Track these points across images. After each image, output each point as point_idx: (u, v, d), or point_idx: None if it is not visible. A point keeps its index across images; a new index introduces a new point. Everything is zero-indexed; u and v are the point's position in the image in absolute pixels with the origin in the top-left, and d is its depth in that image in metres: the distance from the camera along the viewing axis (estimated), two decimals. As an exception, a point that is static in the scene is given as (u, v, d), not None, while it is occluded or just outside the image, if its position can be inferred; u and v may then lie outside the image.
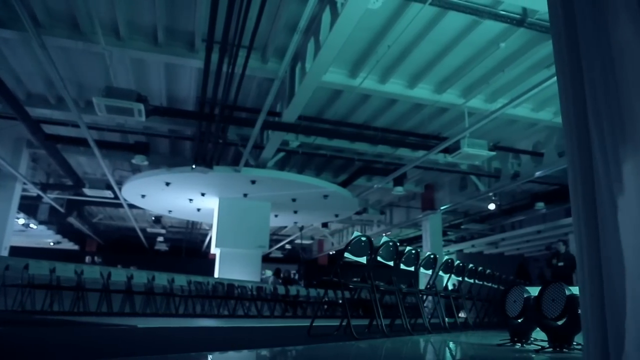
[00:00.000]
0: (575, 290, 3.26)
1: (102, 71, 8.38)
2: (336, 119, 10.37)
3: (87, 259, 15.11)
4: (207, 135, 9.34)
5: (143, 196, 13.74)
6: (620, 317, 1.36)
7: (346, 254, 4.23)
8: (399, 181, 13.14)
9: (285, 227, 20.82)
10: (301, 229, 20.57)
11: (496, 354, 3.22)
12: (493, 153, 9.49)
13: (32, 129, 9.67)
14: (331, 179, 14.23)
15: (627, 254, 1.35)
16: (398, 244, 5.00)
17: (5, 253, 12.19)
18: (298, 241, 23.09)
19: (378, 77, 8.69)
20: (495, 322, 8.03)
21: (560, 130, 10.55)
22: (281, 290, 11.79)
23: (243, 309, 10.72)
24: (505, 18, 6.72)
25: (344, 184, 13.31)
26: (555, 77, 6.08)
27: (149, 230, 22.43)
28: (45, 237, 22.09)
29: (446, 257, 6.74)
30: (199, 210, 15.14)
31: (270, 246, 19.94)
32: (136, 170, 13.84)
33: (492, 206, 14.90)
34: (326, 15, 6.58)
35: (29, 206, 16.87)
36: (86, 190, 13.68)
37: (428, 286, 6.07)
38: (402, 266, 5.16)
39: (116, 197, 14.67)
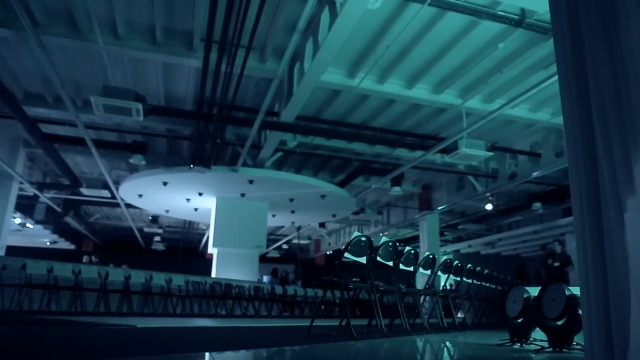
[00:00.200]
0: (575, 290, 3.27)
1: (100, 70, 8.36)
2: (334, 119, 10.38)
3: (85, 258, 15.05)
4: (205, 135, 9.32)
5: (140, 196, 13.72)
6: (625, 316, 1.37)
7: (346, 254, 4.23)
8: (396, 181, 13.15)
9: (283, 227, 20.82)
10: (298, 228, 20.57)
11: (496, 354, 3.22)
12: (491, 153, 9.52)
13: (29, 128, 9.64)
14: (329, 179, 14.23)
15: (633, 254, 1.36)
16: (398, 244, 5.00)
17: (1, 253, 12.13)
18: (295, 241, 23.09)
19: (376, 77, 8.70)
20: (492, 322, 8.05)
21: (557, 131, 10.59)
22: (279, 290, 11.79)
23: (241, 308, 10.71)
24: (504, 19, 6.74)
25: (341, 184, 13.32)
26: (553, 78, 6.07)
27: (146, 230, 22.39)
28: (41, 236, 22.01)
29: (445, 257, 6.76)
30: (196, 210, 15.13)
31: (268, 246, 19.92)
32: (133, 169, 13.81)
33: (489, 206, 14.93)
34: (325, 15, 6.58)
35: (25, 206, 16.81)
36: (83, 190, 13.64)
37: (427, 286, 6.08)
38: (401, 266, 5.17)
39: (113, 197, 14.63)
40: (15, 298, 7.34)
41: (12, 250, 14.47)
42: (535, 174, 10.99)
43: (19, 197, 13.63)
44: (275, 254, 27.29)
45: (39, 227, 19.58)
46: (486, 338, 4.91)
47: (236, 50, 6.61)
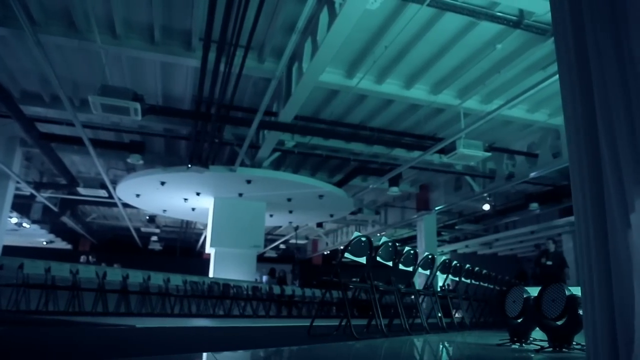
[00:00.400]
0: (574, 290, 3.28)
1: (98, 69, 8.33)
2: (332, 119, 10.38)
3: (82, 258, 15.00)
4: (202, 135, 9.31)
5: (138, 195, 13.69)
6: (630, 316, 1.37)
7: (346, 254, 4.23)
8: (394, 181, 13.16)
9: (280, 226, 20.81)
10: (296, 228, 20.57)
11: (497, 354, 3.23)
12: (488, 154, 9.53)
13: (26, 127, 9.60)
14: (326, 179, 14.23)
15: (638, 255, 1.36)
16: (397, 244, 5.01)
17: (-2, 252, 12.09)
18: (293, 241, 23.07)
19: (375, 78, 8.71)
20: (491, 322, 8.07)
21: (555, 132, 10.62)
22: (276, 290, 11.79)
23: (239, 308, 10.70)
24: (502, 19, 6.75)
25: (339, 184, 13.32)
26: (551, 79, 6.07)
27: (143, 229, 22.32)
28: (38, 236, 21.92)
29: (444, 258, 6.77)
30: (193, 209, 15.10)
31: (265, 246, 19.93)
32: (131, 169, 13.78)
33: (486, 207, 14.97)
34: (324, 15, 6.58)
35: (22, 205, 16.73)
36: (80, 190, 13.59)
37: (426, 286, 6.09)
38: (401, 266, 5.18)
39: (110, 197, 14.58)
40: (13, 298, 7.31)
41: (8, 250, 14.40)
42: (532, 174, 11.01)
43: (16, 196, 13.56)
44: (273, 254, 27.27)
45: (36, 226, 19.49)
46: (485, 338, 4.92)
47: (235, 50, 6.60)
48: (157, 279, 9.48)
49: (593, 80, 1.61)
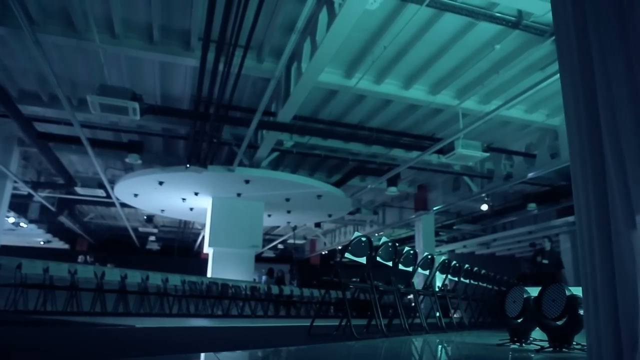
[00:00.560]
0: (574, 290, 3.29)
1: (96, 69, 8.31)
2: (331, 119, 10.38)
3: (80, 258, 14.97)
4: (201, 135, 9.30)
5: (136, 195, 13.66)
6: (634, 317, 1.38)
7: (346, 254, 4.24)
8: (392, 181, 13.17)
9: (278, 226, 20.80)
10: (294, 228, 20.56)
11: (497, 354, 3.24)
12: (487, 154, 9.55)
13: (24, 127, 9.57)
14: (325, 179, 14.23)
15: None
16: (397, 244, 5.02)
17: (-5, 252, 12.05)
18: (291, 241, 23.07)
19: (373, 78, 8.71)
20: (489, 322, 8.09)
21: (552, 132, 10.65)
22: (275, 290, 11.78)
23: (237, 308, 10.70)
24: (501, 20, 6.76)
25: (337, 184, 13.32)
26: (550, 80, 6.07)
27: (140, 229, 22.30)
28: (35, 236, 21.86)
29: (443, 258, 6.78)
30: (191, 209, 15.08)
31: (263, 246, 19.89)
32: (129, 169, 13.75)
33: (484, 207, 14.99)
34: (323, 16, 6.58)
35: (19, 205, 16.68)
36: (78, 189, 13.56)
37: (425, 286, 6.10)
38: (400, 266, 5.18)
39: (108, 196, 14.56)
40: (11, 298, 7.29)
41: (5, 250, 14.36)
42: (530, 174, 11.04)
43: (13, 196, 13.51)
44: (271, 254, 27.26)
45: (33, 226, 19.44)
46: (485, 338, 4.93)
47: (234, 49, 6.60)
48: (155, 279, 9.47)
49: (596, 80, 1.62)
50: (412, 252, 5.34)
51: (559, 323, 3.23)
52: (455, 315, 7.25)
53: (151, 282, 9.34)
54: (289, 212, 15.42)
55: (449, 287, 7.39)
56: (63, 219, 19.10)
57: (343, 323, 4.51)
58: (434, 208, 15.41)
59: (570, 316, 3.16)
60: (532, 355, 3.23)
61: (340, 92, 9.17)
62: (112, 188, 13.53)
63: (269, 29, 7.35)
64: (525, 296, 3.69)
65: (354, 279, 4.62)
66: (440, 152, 9.65)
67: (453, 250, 23.24)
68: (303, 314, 12.36)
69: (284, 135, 10.68)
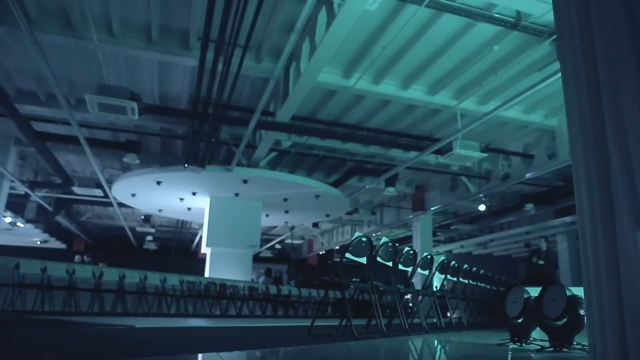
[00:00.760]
0: (574, 290, 3.30)
1: (95, 68, 8.29)
2: (329, 119, 10.38)
3: (77, 258, 14.92)
4: (199, 134, 9.29)
5: (133, 195, 13.63)
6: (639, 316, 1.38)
7: (347, 254, 4.24)
8: (390, 182, 13.18)
9: (276, 226, 20.78)
10: (292, 228, 20.55)
11: (498, 354, 3.25)
12: (485, 154, 9.56)
13: (21, 126, 9.53)
14: (323, 179, 14.23)
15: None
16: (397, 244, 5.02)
17: (-9, 252, 11.99)
18: (288, 241, 23.05)
19: (372, 78, 8.72)
20: (488, 322, 8.10)
21: (550, 133, 10.68)
22: (273, 290, 11.78)
23: (235, 308, 10.68)
24: (499, 21, 6.78)
25: (335, 184, 13.33)
26: (548, 81, 6.08)
27: (138, 229, 22.25)
28: (32, 235, 21.77)
29: (442, 258, 6.79)
30: (189, 209, 15.06)
31: (261, 246, 19.87)
32: (127, 168, 13.71)
33: (482, 207, 15.01)
34: (322, 16, 6.58)
35: (16, 204, 16.62)
36: (75, 189, 13.51)
37: (425, 286, 6.10)
38: (400, 266, 5.19)
39: (106, 196, 14.52)
40: (9, 298, 7.26)
41: (1, 250, 14.32)
42: (528, 175, 11.06)
43: (10, 195, 13.46)
44: (268, 254, 27.23)
45: (30, 226, 19.36)
46: (485, 338, 4.94)
47: (233, 49, 6.59)
48: (153, 278, 9.45)
49: (600, 78, 1.62)
50: (411, 252, 5.35)
51: (559, 323, 3.23)
52: (453, 315, 7.25)
53: (149, 282, 9.32)
54: (286, 212, 15.41)
55: (446, 287, 7.41)
56: (60, 218, 19.04)
57: (343, 323, 4.51)
58: (432, 208, 15.43)
59: (571, 316, 3.17)
60: (533, 355, 3.24)
61: (339, 92, 9.17)
62: (110, 188, 13.49)
63: (268, 29, 7.34)
64: (525, 296, 3.69)
65: (354, 279, 4.62)
66: (439, 152, 9.67)
67: (450, 251, 23.28)
68: (301, 314, 12.36)
69: (282, 135, 10.68)
